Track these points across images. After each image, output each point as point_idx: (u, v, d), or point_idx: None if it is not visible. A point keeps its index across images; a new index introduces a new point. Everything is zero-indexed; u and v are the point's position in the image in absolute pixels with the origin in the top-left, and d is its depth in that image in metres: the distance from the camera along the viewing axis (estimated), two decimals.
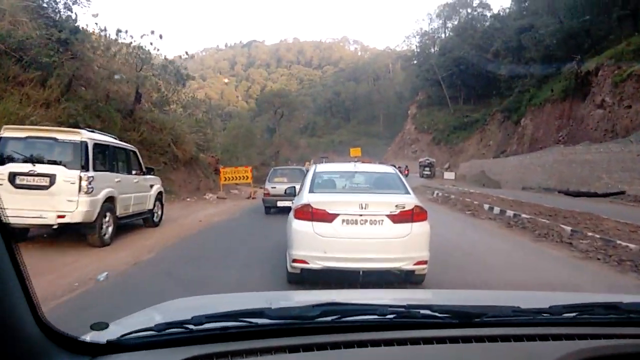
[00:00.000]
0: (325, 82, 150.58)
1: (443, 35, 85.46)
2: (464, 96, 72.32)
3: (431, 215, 6.09)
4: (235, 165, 53.95)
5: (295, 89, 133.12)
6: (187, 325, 1.31)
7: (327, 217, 5.49)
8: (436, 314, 1.43)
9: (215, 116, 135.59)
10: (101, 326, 1.36)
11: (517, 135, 47.70)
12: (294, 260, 5.60)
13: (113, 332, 1.34)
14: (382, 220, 5.51)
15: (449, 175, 34.38)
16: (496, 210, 15.68)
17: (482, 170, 44.04)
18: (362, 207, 5.50)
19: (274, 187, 14.66)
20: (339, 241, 5.45)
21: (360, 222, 5.50)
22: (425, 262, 5.63)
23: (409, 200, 5.78)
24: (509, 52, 61.40)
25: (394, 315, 1.41)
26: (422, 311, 1.44)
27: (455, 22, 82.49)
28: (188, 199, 18.03)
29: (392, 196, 6.01)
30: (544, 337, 1.40)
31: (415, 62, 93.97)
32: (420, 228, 5.63)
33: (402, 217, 5.55)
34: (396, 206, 5.57)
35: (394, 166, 11.48)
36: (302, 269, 5.65)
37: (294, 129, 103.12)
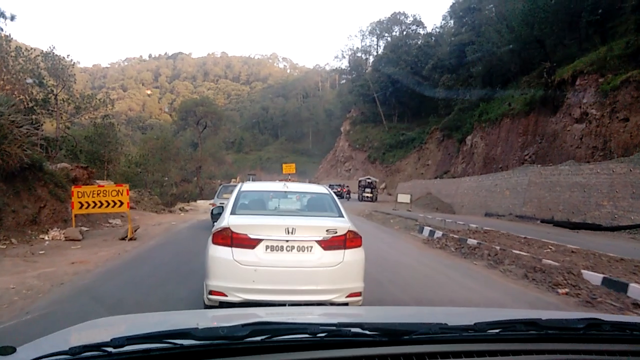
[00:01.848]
0: (254, 97, 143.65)
1: (376, 53, 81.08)
2: (398, 113, 67.75)
3: None
4: (146, 184, 45.03)
5: (222, 103, 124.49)
6: (105, 348, 1.20)
7: (248, 243, 4.64)
8: (366, 331, 1.41)
9: (135, 128, 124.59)
10: (7, 350, 1.23)
11: (463, 154, 42.78)
12: (211, 292, 4.62)
13: (21, 356, 1.22)
14: (311, 247, 4.73)
15: (403, 197, 28.07)
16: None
17: (428, 192, 38.33)
18: (288, 232, 4.67)
19: (222, 204, 10.03)
20: (261, 270, 4.57)
21: (287, 248, 4.69)
22: (359, 294, 4.83)
23: (342, 225, 4.93)
24: (446, 69, 57.55)
25: (325, 333, 1.37)
26: (352, 329, 1.42)
27: (389, 39, 78.35)
28: None
29: (323, 220, 5.16)
30: (469, 354, 1.40)
31: (348, 77, 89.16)
32: (354, 255, 4.86)
33: (334, 243, 4.77)
34: (327, 231, 4.77)
35: (331, 186, 7.41)
36: (221, 302, 4.59)
37: (220, 143, 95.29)
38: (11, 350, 1.22)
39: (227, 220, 4.84)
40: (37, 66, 30.65)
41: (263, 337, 1.32)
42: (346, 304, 4.79)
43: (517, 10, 33.88)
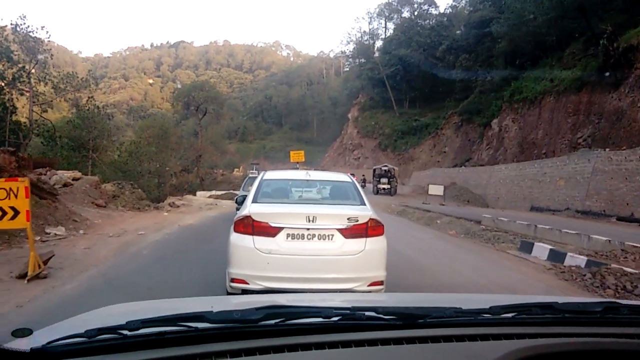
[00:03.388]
0: (257, 85, 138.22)
1: (384, 36, 75.71)
2: (410, 98, 62.63)
3: None
4: (140, 174, 40.50)
5: (225, 91, 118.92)
6: (121, 331, 1.20)
7: (269, 231, 4.53)
8: (381, 315, 1.40)
9: (137, 117, 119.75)
10: (24, 332, 1.26)
11: (488, 139, 37.97)
12: (233, 280, 4.53)
13: (38, 339, 1.21)
14: (332, 235, 4.59)
15: (435, 189, 23.34)
16: None
17: (452, 182, 33.49)
18: (309, 220, 4.53)
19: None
20: (282, 258, 4.48)
21: (308, 236, 4.56)
22: (381, 283, 4.66)
23: (363, 213, 4.79)
24: (463, 49, 52.52)
25: (339, 317, 1.36)
26: (367, 313, 1.40)
27: (398, 21, 72.99)
28: None
29: (344, 208, 5.03)
30: (484, 337, 1.38)
31: (354, 62, 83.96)
32: (376, 244, 4.69)
33: (355, 231, 4.61)
34: (348, 219, 4.63)
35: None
36: (243, 290, 4.49)
37: (222, 132, 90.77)
38: (28, 332, 1.24)
39: (249, 208, 4.75)
40: (5, 39, 25.98)
41: (277, 320, 1.31)
42: (368, 293, 4.54)
43: None
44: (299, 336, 1.30)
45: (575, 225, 12.89)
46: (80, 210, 12.30)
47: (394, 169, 37.20)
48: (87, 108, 30.21)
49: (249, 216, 4.56)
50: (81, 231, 10.21)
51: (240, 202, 5.66)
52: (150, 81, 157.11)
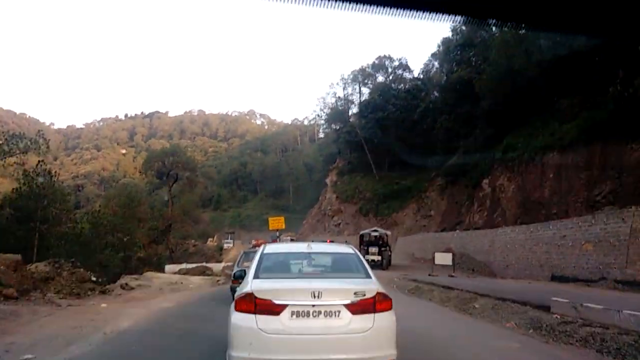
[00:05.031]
0: (231, 153, 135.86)
1: (359, 101, 74.68)
2: (389, 161, 60.21)
3: None
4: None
5: (199, 160, 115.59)
6: None
7: (273, 309, 4.20)
8: None
9: (108, 188, 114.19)
10: None
11: (479, 200, 34.99)
12: None
13: None
14: (339, 312, 4.25)
15: (442, 258, 19.64)
16: None
17: (447, 248, 29.78)
18: (314, 296, 4.22)
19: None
20: (287, 339, 4.15)
21: (313, 314, 4.21)
22: None
23: (370, 286, 4.50)
24: (440, 111, 50.99)
25: None
26: None
27: (372, 86, 72.29)
28: None
29: (350, 282, 4.75)
30: None
31: (329, 129, 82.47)
32: (385, 320, 4.35)
33: (363, 307, 4.29)
34: (355, 294, 4.33)
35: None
36: None
37: (196, 200, 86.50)
38: None
39: (250, 285, 4.53)
40: None
41: None
42: None
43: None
44: None
45: None
46: None
47: (386, 235, 31.13)
48: (36, 173, 26.10)
49: (251, 293, 4.28)
50: None
51: (238, 277, 5.74)
52: (123, 151, 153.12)
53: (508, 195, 29.44)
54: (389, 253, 29.62)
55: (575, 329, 7.30)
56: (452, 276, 18.65)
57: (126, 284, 17.26)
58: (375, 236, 30.34)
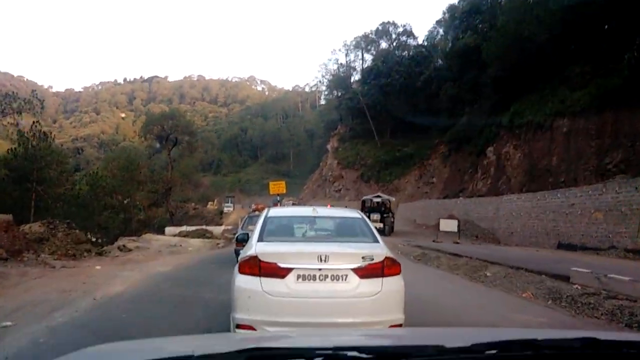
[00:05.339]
0: (232, 119, 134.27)
1: (362, 67, 72.94)
2: (391, 128, 59.25)
3: None
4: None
5: (199, 124, 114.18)
6: None
7: (278, 272, 4.06)
8: (362, 355, 1.34)
9: (108, 151, 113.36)
10: None
11: (483, 168, 34.37)
12: (238, 326, 4.08)
13: None
14: (346, 276, 4.13)
15: (447, 225, 19.16)
16: None
17: (450, 214, 29.31)
18: (321, 260, 4.07)
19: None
20: (293, 302, 4.05)
21: (320, 277, 4.10)
22: (400, 326, 4.18)
23: (378, 251, 4.35)
24: (444, 79, 49.73)
25: (321, 358, 1.31)
26: (349, 353, 1.35)
27: (375, 52, 70.49)
28: None
29: (357, 246, 4.63)
30: None
31: (331, 95, 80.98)
32: (393, 284, 4.25)
33: (371, 271, 4.16)
34: (363, 258, 4.18)
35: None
36: None
37: (196, 165, 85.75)
38: None
39: (255, 248, 4.35)
40: None
41: None
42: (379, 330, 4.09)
43: None
44: None
45: None
46: None
47: (389, 201, 29.92)
48: (31, 134, 25.37)
49: (256, 256, 4.15)
50: None
51: (242, 240, 5.55)
52: (123, 115, 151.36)
53: (514, 163, 28.79)
54: (392, 219, 28.64)
55: (600, 301, 6.77)
56: (457, 243, 18.22)
57: (124, 245, 16.82)
58: (378, 202, 29.45)
